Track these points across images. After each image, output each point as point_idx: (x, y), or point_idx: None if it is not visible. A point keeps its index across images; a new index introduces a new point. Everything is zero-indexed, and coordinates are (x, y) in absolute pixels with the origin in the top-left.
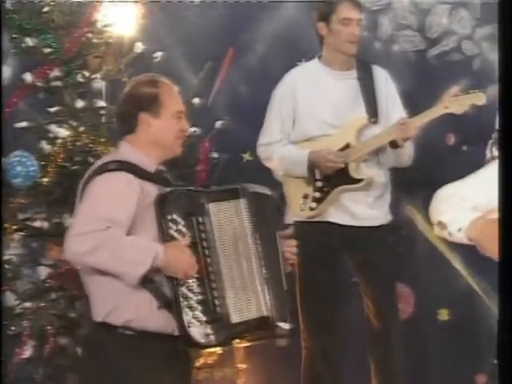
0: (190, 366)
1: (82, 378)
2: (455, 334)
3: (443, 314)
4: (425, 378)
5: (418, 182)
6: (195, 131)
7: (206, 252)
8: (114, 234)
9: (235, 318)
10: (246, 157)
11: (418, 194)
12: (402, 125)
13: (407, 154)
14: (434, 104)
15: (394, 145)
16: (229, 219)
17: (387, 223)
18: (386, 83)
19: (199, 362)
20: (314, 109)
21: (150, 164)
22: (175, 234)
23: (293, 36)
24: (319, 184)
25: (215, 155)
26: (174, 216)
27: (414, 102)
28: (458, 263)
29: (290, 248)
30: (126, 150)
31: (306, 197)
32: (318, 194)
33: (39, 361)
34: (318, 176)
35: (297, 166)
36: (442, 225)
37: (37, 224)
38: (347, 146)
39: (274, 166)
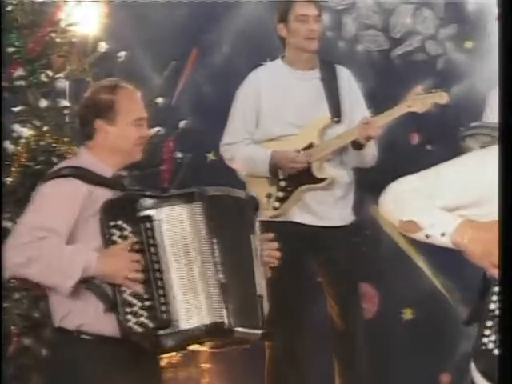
0: (158, 368)
1: (47, 379)
2: (419, 334)
3: (407, 314)
4: (389, 377)
5: (382, 181)
6: (159, 131)
7: (154, 258)
8: (49, 244)
9: (184, 324)
10: (210, 156)
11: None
12: (365, 124)
13: (370, 154)
14: (397, 103)
15: (357, 146)
16: (180, 224)
17: (351, 223)
18: (349, 83)
19: (163, 362)
20: (277, 109)
21: (106, 170)
22: (119, 240)
23: (257, 36)
24: (282, 183)
25: (179, 155)
26: (119, 222)
27: (378, 102)
28: (422, 263)
29: (269, 251)
30: (84, 156)
31: (269, 196)
32: (281, 194)
33: (3, 361)
34: (281, 176)
35: (260, 165)
36: (414, 225)
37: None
38: (310, 146)
39: (237, 165)
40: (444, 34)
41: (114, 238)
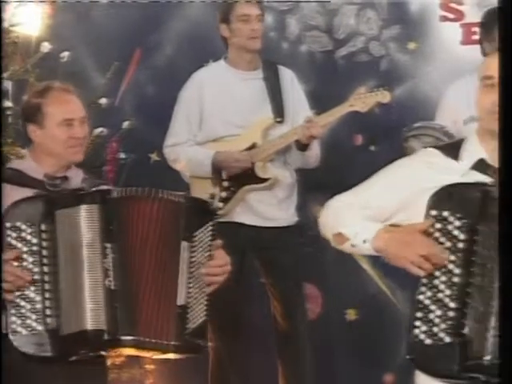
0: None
1: None
2: (363, 334)
3: (351, 314)
4: (333, 378)
5: (325, 182)
6: (102, 131)
7: (45, 261)
8: None
9: (65, 329)
10: (154, 157)
11: (325, 195)
12: (308, 124)
13: (314, 154)
14: (341, 104)
15: (300, 146)
16: (73, 227)
17: (294, 224)
18: (292, 83)
19: (107, 363)
20: (220, 109)
21: (38, 171)
22: (14, 242)
23: (200, 36)
24: (226, 184)
25: (123, 155)
26: (18, 223)
27: (322, 103)
28: (365, 264)
29: (209, 269)
30: (24, 159)
31: (212, 197)
32: (224, 194)
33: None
34: (224, 176)
35: (203, 166)
36: (342, 237)
37: None
38: (253, 146)
39: (180, 167)
40: (387, 35)
41: (10, 239)
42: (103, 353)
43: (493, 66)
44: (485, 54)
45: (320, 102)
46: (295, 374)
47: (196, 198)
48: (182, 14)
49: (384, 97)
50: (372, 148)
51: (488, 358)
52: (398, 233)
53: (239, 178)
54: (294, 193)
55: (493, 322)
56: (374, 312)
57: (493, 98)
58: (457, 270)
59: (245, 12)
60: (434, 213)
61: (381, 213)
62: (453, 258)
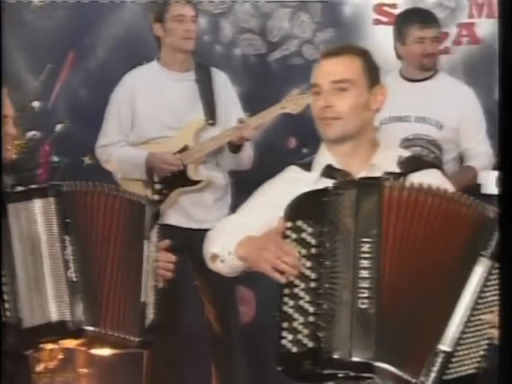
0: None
1: None
2: None
3: None
4: (266, 380)
5: (259, 184)
6: (35, 134)
7: (4, 254)
8: None
9: (27, 323)
10: (86, 160)
11: None
12: (239, 125)
13: (246, 156)
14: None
15: (233, 148)
16: (29, 220)
17: None
18: (224, 85)
19: (40, 367)
20: (152, 111)
21: None
22: None
23: (133, 38)
24: (158, 186)
25: (55, 159)
26: None
27: (255, 106)
28: None
29: (162, 263)
30: None
31: None
32: (156, 197)
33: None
34: (156, 178)
35: (135, 168)
36: (214, 256)
37: None
38: (185, 148)
39: (112, 168)
40: (321, 38)
41: None
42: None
43: (317, 73)
44: (398, 56)
45: (253, 104)
46: (228, 376)
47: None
48: (115, 16)
49: None
50: (305, 150)
51: (335, 353)
52: (258, 239)
53: (171, 180)
54: (228, 194)
55: (337, 317)
56: None
57: (318, 106)
58: (313, 275)
59: (180, 12)
60: (289, 224)
61: (252, 233)
62: (309, 264)
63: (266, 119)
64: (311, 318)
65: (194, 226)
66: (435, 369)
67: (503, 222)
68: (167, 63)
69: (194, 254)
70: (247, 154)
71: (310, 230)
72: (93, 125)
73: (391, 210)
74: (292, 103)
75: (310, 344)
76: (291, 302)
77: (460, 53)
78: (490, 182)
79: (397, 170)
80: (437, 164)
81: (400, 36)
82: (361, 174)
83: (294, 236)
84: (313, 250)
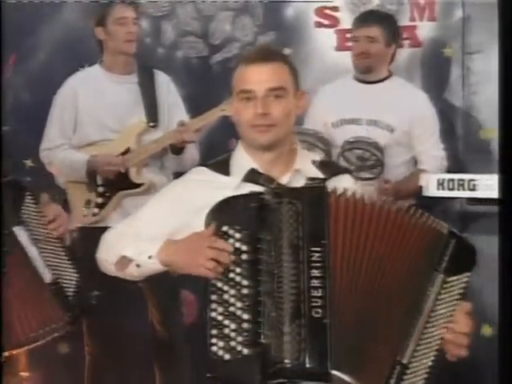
0: None
1: None
2: None
3: None
4: (210, 382)
5: None
6: None
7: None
8: None
9: None
10: (29, 163)
11: None
12: (180, 128)
13: (190, 158)
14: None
15: (175, 151)
16: None
17: None
18: (167, 88)
19: None
20: (94, 113)
21: None
22: None
23: (76, 41)
24: (101, 189)
25: None
26: None
27: (198, 108)
28: None
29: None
30: None
31: (88, 202)
32: (99, 200)
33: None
34: (99, 181)
35: (77, 171)
36: (125, 260)
37: None
38: (128, 151)
39: (55, 171)
40: (262, 41)
41: None
42: None
43: (249, 79)
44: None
45: (196, 106)
46: (172, 379)
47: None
48: (57, 19)
49: None
50: None
51: (288, 361)
52: (183, 242)
53: (114, 183)
54: None
55: (287, 325)
56: None
57: (251, 112)
58: (245, 282)
59: (121, 15)
60: (214, 229)
61: (154, 238)
62: (239, 270)
63: (206, 122)
64: (246, 325)
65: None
66: (393, 381)
67: (503, 226)
68: (109, 66)
69: None
70: (191, 155)
71: (238, 235)
72: (35, 128)
73: (339, 218)
74: (231, 106)
75: (246, 351)
76: (220, 309)
77: (408, 56)
78: (431, 185)
79: (319, 174)
80: (377, 168)
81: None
82: (285, 178)
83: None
84: (244, 256)
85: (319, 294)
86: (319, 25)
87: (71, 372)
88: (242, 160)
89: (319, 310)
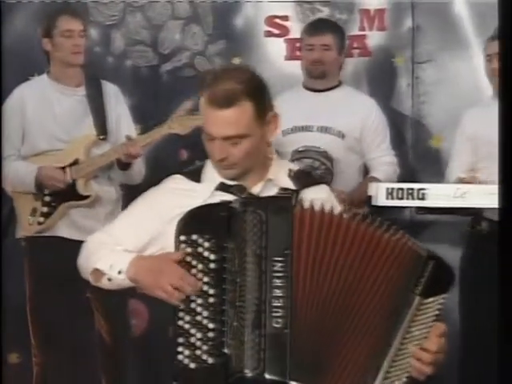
0: None
1: None
2: None
3: None
4: None
5: None
6: None
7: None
8: None
9: None
10: None
11: None
12: (127, 143)
13: (137, 171)
14: (164, 120)
15: (121, 166)
16: None
17: None
18: (116, 99)
19: None
20: (42, 123)
21: None
22: None
23: (25, 50)
24: (47, 199)
25: None
26: None
27: (147, 118)
28: None
29: None
30: None
31: (34, 211)
32: (45, 209)
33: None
34: (46, 191)
35: (24, 181)
36: (98, 272)
37: None
38: (76, 162)
39: (3, 182)
40: (213, 50)
41: None
42: None
43: (210, 123)
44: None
45: (145, 116)
46: None
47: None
48: (6, 29)
49: (202, 120)
50: (197, 163)
51: (247, 371)
52: (150, 261)
53: (60, 193)
54: (119, 208)
55: (248, 335)
56: None
57: (214, 152)
58: (211, 291)
59: (67, 27)
60: (183, 238)
61: (132, 246)
62: (206, 279)
63: (153, 139)
64: (211, 334)
65: (85, 238)
66: None
67: (503, 235)
68: (57, 77)
69: None
70: (137, 169)
71: (207, 244)
72: None
73: (303, 230)
74: (178, 124)
75: (211, 360)
76: (187, 317)
77: (358, 65)
78: (380, 194)
79: (291, 184)
80: (327, 178)
81: (301, 47)
82: (257, 188)
83: (189, 250)
84: (212, 265)
85: (280, 304)
86: (269, 34)
87: (20, 382)
88: (213, 171)
89: (280, 320)
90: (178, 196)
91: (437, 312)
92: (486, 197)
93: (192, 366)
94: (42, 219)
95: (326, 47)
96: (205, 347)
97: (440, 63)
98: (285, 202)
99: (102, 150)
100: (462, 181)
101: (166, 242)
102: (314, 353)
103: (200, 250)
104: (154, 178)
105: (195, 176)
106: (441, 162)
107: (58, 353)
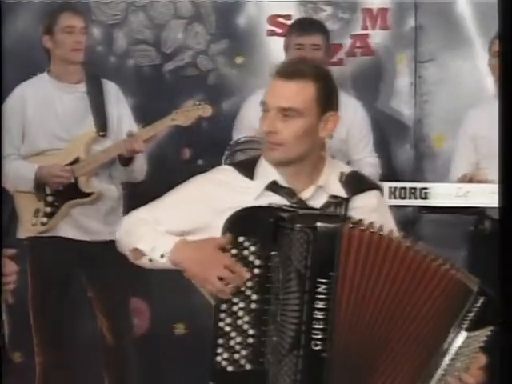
0: None
1: None
2: (192, 348)
3: (179, 328)
4: None
5: (152, 196)
6: None
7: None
8: None
9: None
10: None
11: None
12: (129, 138)
13: (138, 168)
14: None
15: (123, 161)
16: None
17: None
18: (116, 97)
19: None
20: (43, 123)
21: None
22: None
23: (26, 49)
24: (50, 199)
25: None
26: None
27: (149, 117)
28: None
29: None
30: None
31: (37, 212)
32: (48, 209)
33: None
34: (48, 191)
35: (25, 180)
36: (139, 252)
37: None
38: (77, 160)
39: (3, 181)
40: (215, 50)
41: None
42: None
43: (268, 92)
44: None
45: (147, 116)
46: None
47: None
48: (7, 28)
49: (205, 110)
50: (200, 162)
51: None
52: (195, 248)
53: (63, 192)
54: (120, 206)
55: (285, 354)
56: (203, 325)
57: (264, 125)
58: (254, 296)
59: (69, 23)
60: (229, 238)
61: (173, 230)
62: (250, 284)
63: (156, 131)
64: (251, 340)
65: (88, 238)
66: None
67: (503, 234)
68: (57, 75)
69: (87, 266)
70: (139, 166)
71: (253, 248)
72: None
73: (350, 253)
74: (182, 115)
75: (248, 366)
76: (228, 320)
77: (351, 64)
78: None
79: (342, 192)
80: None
81: (287, 45)
82: (307, 193)
83: (234, 251)
84: (256, 271)
85: (321, 327)
86: (272, 33)
87: (23, 381)
88: (267, 168)
89: (319, 343)
90: (231, 191)
91: (481, 344)
92: (488, 196)
93: (230, 368)
94: (45, 219)
95: (315, 47)
96: (243, 352)
97: (442, 62)
98: (333, 221)
99: (102, 147)
100: (464, 177)
101: (211, 234)
102: (351, 380)
103: (245, 253)
104: (156, 177)
105: (248, 171)
106: (443, 161)
107: (61, 352)
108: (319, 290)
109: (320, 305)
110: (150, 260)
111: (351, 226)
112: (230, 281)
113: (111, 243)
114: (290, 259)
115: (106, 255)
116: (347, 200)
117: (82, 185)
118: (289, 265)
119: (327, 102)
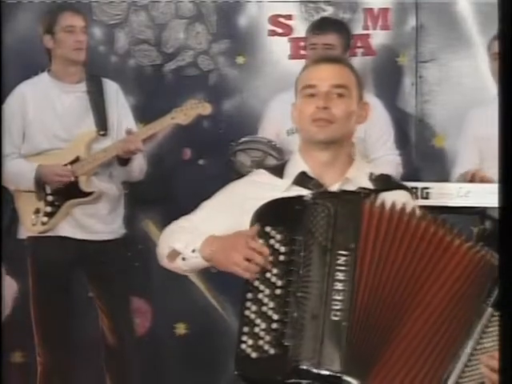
0: None
1: None
2: (193, 348)
3: (181, 328)
4: None
5: (154, 196)
6: None
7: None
8: None
9: None
10: None
11: (154, 209)
12: (128, 137)
13: (137, 168)
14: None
15: (121, 161)
16: None
17: (121, 237)
18: (117, 96)
19: None
20: (43, 122)
21: None
22: None
23: (25, 50)
24: (50, 198)
25: None
26: None
27: (150, 117)
28: (195, 277)
29: None
30: None
31: (37, 211)
32: (49, 209)
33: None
34: (48, 190)
35: (25, 180)
36: (175, 253)
37: None
38: (77, 160)
39: (4, 180)
40: (216, 50)
41: None
42: None
43: (315, 76)
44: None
45: (148, 115)
46: None
47: None
48: (6, 28)
49: (205, 109)
50: (201, 162)
51: (303, 361)
52: (224, 239)
53: (63, 192)
54: (121, 206)
55: (306, 325)
56: (204, 325)
57: (313, 107)
58: (279, 282)
59: (70, 23)
60: (257, 229)
61: (210, 232)
62: (275, 271)
63: (155, 130)
64: (275, 325)
65: (89, 238)
66: None
67: (503, 234)
68: (58, 75)
69: (89, 266)
70: (138, 165)
71: (278, 236)
72: None
73: (371, 226)
74: (181, 114)
75: (272, 351)
76: (254, 307)
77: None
78: None
79: (370, 186)
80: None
81: (306, 45)
82: (334, 186)
83: (260, 241)
84: (281, 258)
85: (340, 298)
86: (273, 33)
87: (24, 381)
88: (296, 163)
89: (338, 313)
90: (259, 188)
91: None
92: (489, 196)
93: (254, 355)
94: (45, 219)
95: (328, 46)
96: (267, 337)
97: (444, 62)
98: (355, 196)
99: (103, 146)
100: (466, 175)
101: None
102: (370, 349)
103: (272, 241)
104: (157, 177)
105: (278, 172)
106: (444, 161)
107: (62, 352)
108: (340, 262)
109: (340, 276)
110: (184, 258)
111: (371, 200)
112: (256, 260)
113: (112, 242)
114: (312, 234)
115: (106, 254)
116: (376, 192)
117: (83, 184)
118: (311, 239)
119: (361, 89)
